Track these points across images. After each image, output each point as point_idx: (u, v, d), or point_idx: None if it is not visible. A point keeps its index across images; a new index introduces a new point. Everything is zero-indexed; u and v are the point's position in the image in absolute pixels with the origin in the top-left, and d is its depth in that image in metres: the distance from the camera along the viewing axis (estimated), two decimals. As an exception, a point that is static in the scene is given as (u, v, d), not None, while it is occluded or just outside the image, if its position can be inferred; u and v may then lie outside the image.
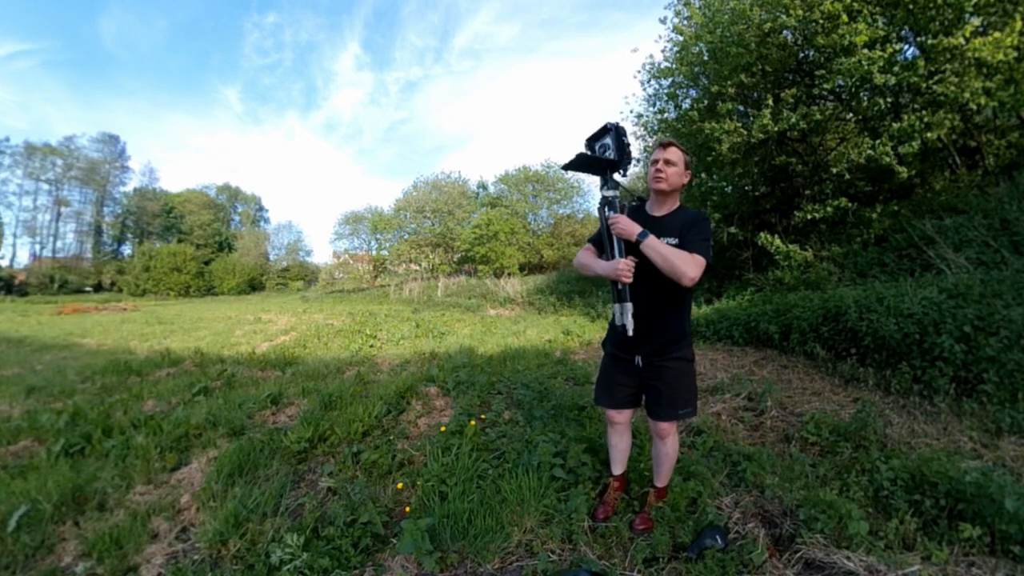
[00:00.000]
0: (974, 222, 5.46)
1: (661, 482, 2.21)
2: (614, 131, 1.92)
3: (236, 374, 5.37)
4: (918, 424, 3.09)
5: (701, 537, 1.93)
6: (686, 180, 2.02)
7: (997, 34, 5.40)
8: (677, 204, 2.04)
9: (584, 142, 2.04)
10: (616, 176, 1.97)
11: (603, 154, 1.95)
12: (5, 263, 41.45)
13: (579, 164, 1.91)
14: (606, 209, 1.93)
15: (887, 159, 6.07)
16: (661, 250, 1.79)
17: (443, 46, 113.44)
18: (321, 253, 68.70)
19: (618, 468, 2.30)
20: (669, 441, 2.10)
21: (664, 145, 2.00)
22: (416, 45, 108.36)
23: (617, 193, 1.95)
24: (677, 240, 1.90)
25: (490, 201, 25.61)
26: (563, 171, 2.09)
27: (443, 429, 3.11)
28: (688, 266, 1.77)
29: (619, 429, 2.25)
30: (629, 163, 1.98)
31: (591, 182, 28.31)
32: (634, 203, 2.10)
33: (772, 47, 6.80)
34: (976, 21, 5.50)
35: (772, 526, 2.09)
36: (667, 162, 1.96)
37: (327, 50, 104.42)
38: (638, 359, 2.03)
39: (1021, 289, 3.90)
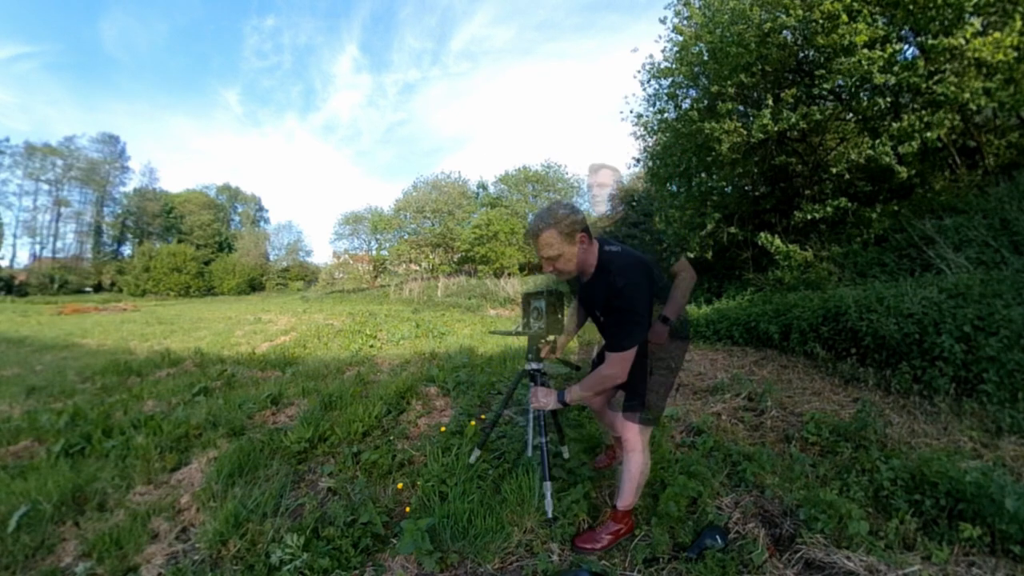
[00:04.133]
0: (974, 222, 5.46)
1: (619, 502, 1.95)
2: (545, 298, 1.96)
3: (236, 374, 5.37)
4: (918, 424, 3.09)
5: (701, 537, 1.93)
6: (580, 243, 1.71)
7: (997, 34, 5.40)
8: (594, 266, 1.78)
9: (522, 295, 2.19)
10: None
11: (535, 316, 1.97)
12: (5, 263, 41.60)
13: (526, 309, 2.05)
14: (530, 382, 2.00)
15: (887, 159, 6.07)
16: (585, 391, 1.81)
17: (440, 48, 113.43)
18: (321, 253, 68.86)
19: (608, 439, 2.42)
20: (632, 456, 1.89)
21: (534, 236, 1.70)
22: (413, 48, 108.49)
23: (540, 366, 1.99)
24: (601, 310, 1.78)
25: (490, 201, 25.66)
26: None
27: (443, 429, 3.11)
28: (612, 377, 1.73)
29: (595, 413, 2.35)
30: (558, 334, 2.10)
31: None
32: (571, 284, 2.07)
33: (772, 47, 6.79)
34: (976, 22, 5.49)
35: (772, 526, 2.08)
36: (547, 259, 1.71)
37: (325, 53, 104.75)
38: None
39: (1021, 289, 3.89)
